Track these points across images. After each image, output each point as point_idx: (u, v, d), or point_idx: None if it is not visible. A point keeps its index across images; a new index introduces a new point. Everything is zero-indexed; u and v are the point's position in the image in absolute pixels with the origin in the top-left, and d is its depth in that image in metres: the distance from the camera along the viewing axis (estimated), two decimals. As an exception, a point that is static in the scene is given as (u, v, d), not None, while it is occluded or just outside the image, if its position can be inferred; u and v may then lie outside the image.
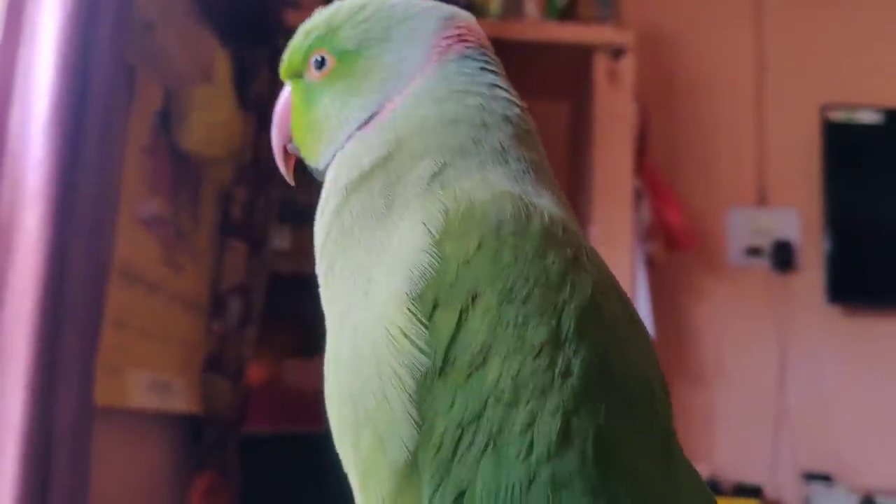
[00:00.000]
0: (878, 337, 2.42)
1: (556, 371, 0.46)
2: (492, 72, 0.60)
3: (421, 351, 0.47)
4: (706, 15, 2.57)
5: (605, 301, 0.50)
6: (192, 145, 1.65)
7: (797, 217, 2.47)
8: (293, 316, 2.18)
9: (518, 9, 2.22)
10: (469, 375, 0.46)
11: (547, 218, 0.50)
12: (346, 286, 0.53)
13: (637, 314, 0.53)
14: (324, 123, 0.60)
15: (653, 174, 2.29)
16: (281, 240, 2.10)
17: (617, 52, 2.11)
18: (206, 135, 1.67)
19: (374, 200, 0.54)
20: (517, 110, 0.58)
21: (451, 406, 0.46)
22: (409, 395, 0.47)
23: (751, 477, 2.29)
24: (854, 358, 2.40)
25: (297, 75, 0.63)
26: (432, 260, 0.48)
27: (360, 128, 0.59)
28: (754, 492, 2.24)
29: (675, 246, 2.31)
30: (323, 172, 0.60)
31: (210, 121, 1.64)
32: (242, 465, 1.87)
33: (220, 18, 1.69)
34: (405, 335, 0.47)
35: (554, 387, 0.46)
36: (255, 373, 2.00)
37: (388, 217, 0.53)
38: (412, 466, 0.47)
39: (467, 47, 0.60)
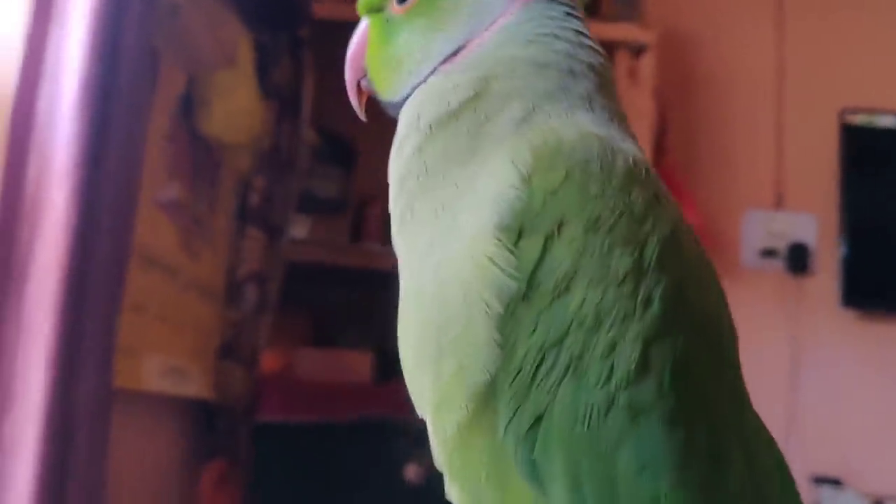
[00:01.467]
0: (891, 341, 2.41)
1: (638, 300, 0.47)
2: (577, 17, 0.59)
3: (509, 276, 0.48)
4: (727, 16, 2.56)
5: (684, 238, 0.51)
6: (213, 131, 1.65)
7: (814, 220, 2.47)
8: (307, 305, 2.18)
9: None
10: (552, 300, 0.47)
11: (631, 159, 0.51)
12: (427, 224, 0.53)
13: (707, 254, 0.54)
14: (405, 58, 0.60)
15: (670, 173, 2.28)
16: (298, 229, 2.10)
17: (638, 51, 2.11)
18: (228, 121, 1.66)
19: (459, 140, 0.53)
20: (601, 59, 0.58)
21: (534, 330, 0.47)
22: (495, 319, 0.48)
23: (760, 479, 2.28)
24: (867, 362, 2.39)
25: (376, 9, 0.63)
26: (519, 192, 0.49)
27: (443, 62, 0.58)
28: (764, 494, 2.24)
29: (690, 246, 2.30)
30: (398, 107, 0.60)
31: (231, 107, 1.64)
32: (254, 453, 1.87)
33: (245, 3, 1.68)
34: (493, 262, 0.48)
35: (635, 315, 0.47)
36: (269, 361, 2.00)
37: (475, 157, 0.53)
38: (490, 392, 0.48)
39: None
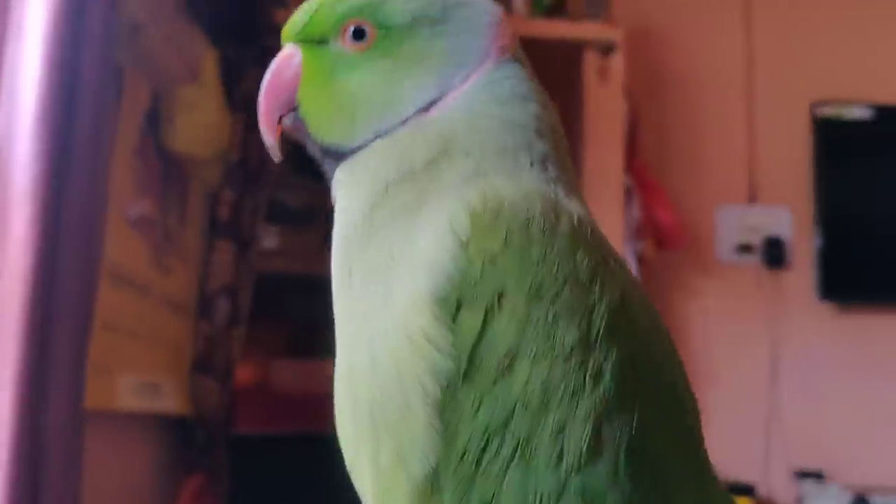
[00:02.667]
0: (869, 334, 2.42)
1: (587, 374, 0.44)
2: (533, 78, 0.58)
3: (446, 356, 0.45)
4: (695, 12, 2.57)
5: (633, 302, 0.48)
6: (180, 146, 1.64)
7: (788, 214, 2.48)
8: (281, 316, 2.16)
9: (506, 5, 2.21)
10: (495, 380, 0.44)
11: (576, 219, 0.48)
12: (364, 291, 0.50)
13: (660, 318, 0.51)
14: (364, 101, 0.55)
15: (643, 172, 2.29)
16: (268, 240, 2.09)
17: (607, 49, 2.11)
18: (194, 135, 1.65)
19: (405, 199, 0.50)
20: (557, 118, 0.57)
21: (477, 413, 0.44)
22: (433, 402, 0.45)
23: (743, 475, 2.29)
24: (846, 355, 2.41)
25: (316, 41, 0.57)
26: (455, 259, 0.46)
27: (418, 113, 0.54)
28: (747, 490, 2.24)
29: (665, 244, 2.30)
30: (343, 152, 0.56)
31: (198, 121, 1.63)
32: (231, 466, 1.86)
33: (208, 17, 1.67)
34: (427, 339, 0.45)
35: (585, 391, 0.44)
36: (245, 374, 1.98)
37: (415, 217, 0.49)
38: (433, 481, 0.45)
39: (517, 49, 0.58)
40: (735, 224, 2.47)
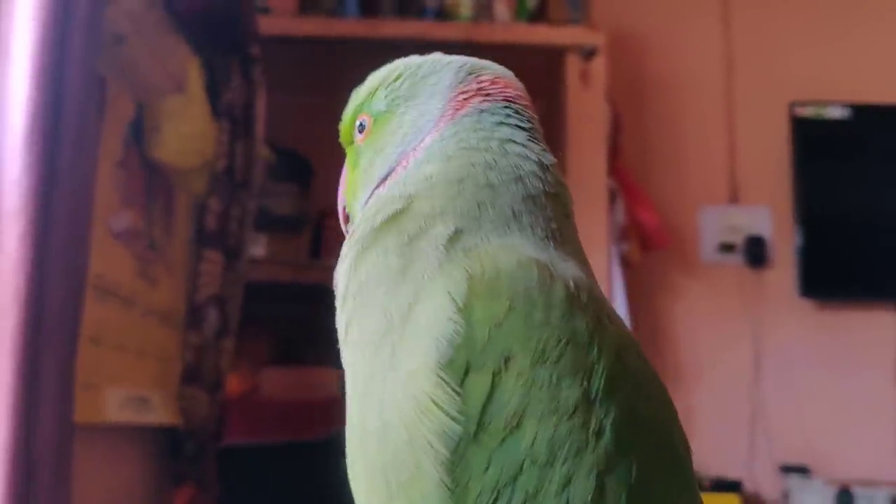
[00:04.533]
0: (850, 330, 2.45)
1: (590, 431, 0.47)
2: (513, 126, 0.58)
3: (453, 419, 0.47)
4: (675, 16, 2.59)
5: (629, 359, 0.51)
6: (166, 156, 1.63)
7: (768, 213, 2.50)
8: (269, 325, 2.16)
9: (488, 11, 2.22)
10: (504, 438, 0.46)
11: (571, 283, 0.51)
12: (366, 351, 0.52)
13: (654, 370, 0.54)
14: (359, 184, 0.62)
15: (625, 175, 2.30)
16: (256, 248, 2.08)
17: (589, 54, 2.12)
18: (180, 145, 1.64)
19: (387, 258, 0.53)
20: (531, 167, 0.57)
21: (486, 470, 0.46)
22: (443, 463, 0.47)
23: (729, 471, 2.31)
24: (827, 351, 2.43)
25: (350, 142, 0.65)
26: (459, 326, 0.48)
27: (378, 185, 0.60)
28: (733, 486, 2.26)
29: (649, 245, 2.32)
30: None
31: (184, 131, 1.62)
32: (221, 477, 1.85)
33: (192, 26, 1.67)
34: (436, 404, 0.47)
35: (588, 447, 0.46)
36: (234, 383, 1.98)
37: (406, 281, 0.52)
38: None
39: (486, 101, 0.59)
40: (717, 224, 2.49)
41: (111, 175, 1.52)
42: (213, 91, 1.81)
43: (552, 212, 0.56)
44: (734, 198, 2.52)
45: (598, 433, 0.47)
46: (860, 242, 2.48)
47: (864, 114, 2.48)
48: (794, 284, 2.44)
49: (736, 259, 2.48)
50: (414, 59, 0.63)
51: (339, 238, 2.14)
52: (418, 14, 2.23)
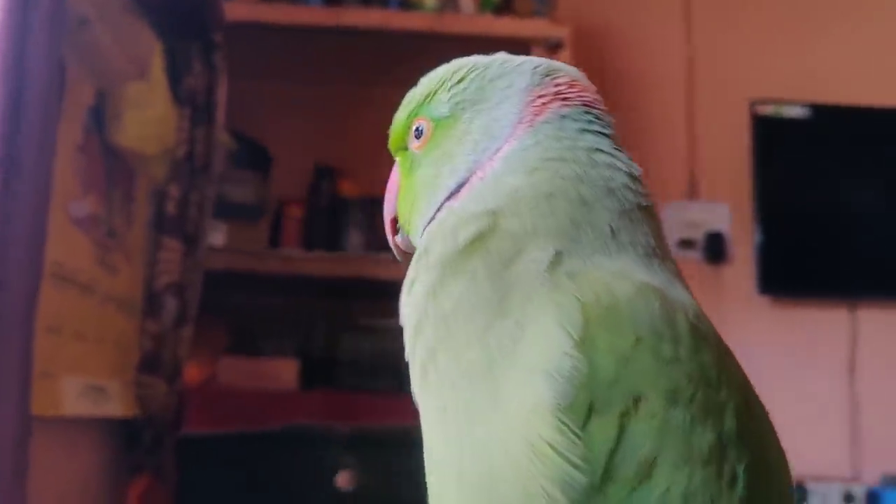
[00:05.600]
0: (805, 327, 2.49)
1: (724, 480, 0.43)
2: (596, 133, 0.54)
3: (575, 466, 0.42)
4: (638, 11, 2.60)
5: (751, 396, 0.47)
6: (127, 142, 1.60)
7: (728, 210, 2.53)
8: (227, 314, 2.14)
9: (453, 2, 2.21)
10: (632, 490, 0.42)
11: (691, 312, 0.47)
12: (460, 387, 0.47)
13: (757, 396, 0.50)
14: (419, 195, 0.57)
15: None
16: (214, 236, 2.05)
17: (554, 47, 2.12)
18: (142, 132, 1.62)
19: (479, 286, 0.48)
20: (622, 178, 0.52)
21: None
22: None
23: (684, 465, 2.33)
24: (784, 347, 2.47)
25: (403, 147, 0.60)
26: (578, 362, 0.43)
27: (449, 197, 0.54)
28: (688, 479, 2.29)
29: (610, 240, 2.33)
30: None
31: (145, 117, 1.59)
32: (178, 467, 1.83)
33: (156, 11, 1.64)
34: (555, 450, 0.42)
35: (722, 497, 0.43)
36: (191, 373, 1.95)
37: (506, 311, 0.47)
38: None
39: (566, 105, 0.55)
40: (676, 220, 2.51)
41: (71, 161, 1.49)
42: (175, 77, 1.78)
43: (648, 227, 0.52)
44: (694, 194, 2.54)
45: (732, 482, 0.43)
46: (817, 241, 2.52)
47: (823, 114, 2.52)
48: (753, 281, 2.47)
49: (695, 255, 2.50)
50: (478, 60, 0.58)
51: (298, 228, 2.11)
52: (382, 3, 2.20)
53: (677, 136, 2.56)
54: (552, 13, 2.24)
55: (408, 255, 0.60)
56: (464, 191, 0.54)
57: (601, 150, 0.54)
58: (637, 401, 0.43)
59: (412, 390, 0.52)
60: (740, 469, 0.43)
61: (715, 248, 2.48)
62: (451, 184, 0.55)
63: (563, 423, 0.42)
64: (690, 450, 0.42)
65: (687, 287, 0.52)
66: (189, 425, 1.85)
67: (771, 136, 2.51)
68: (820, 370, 2.46)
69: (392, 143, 0.62)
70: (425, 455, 0.51)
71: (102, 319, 1.66)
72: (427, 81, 0.60)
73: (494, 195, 0.51)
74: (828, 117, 2.52)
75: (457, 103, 0.57)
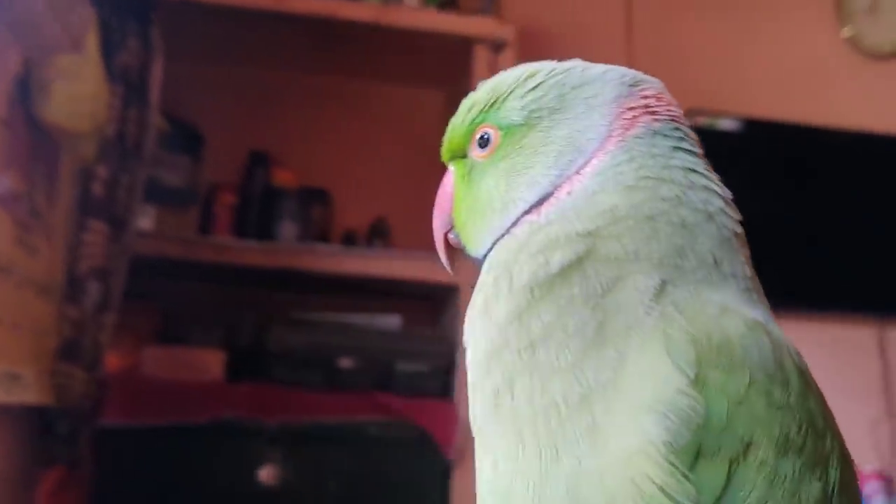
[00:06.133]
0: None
1: None
2: (687, 151, 0.52)
3: None
4: (581, 15, 2.62)
5: (843, 441, 0.46)
6: (53, 118, 1.53)
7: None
8: (154, 302, 2.07)
9: (398, -6, 2.19)
10: None
11: (794, 352, 0.45)
12: (542, 417, 0.44)
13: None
14: (487, 206, 0.53)
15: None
16: (143, 220, 1.98)
17: (498, 47, 2.11)
18: (70, 107, 1.55)
19: (575, 313, 0.45)
20: (719, 202, 0.51)
21: None
22: None
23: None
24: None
25: (460, 155, 0.56)
26: (694, 402, 0.41)
27: (528, 211, 0.51)
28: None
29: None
30: (481, 261, 0.52)
31: (77, 92, 1.52)
32: (96, 459, 1.76)
33: (91, -18, 1.57)
34: (664, 492, 0.40)
35: None
36: (113, 361, 1.88)
37: (605, 340, 0.44)
38: None
39: (657, 120, 0.52)
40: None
41: (-7, 133, 1.42)
42: (108, 52, 1.71)
43: (744, 256, 0.50)
44: (627, 200, 2.57)
45: None
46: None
47: (754, 127, 2.57)
48: (679, 288, 2.51)
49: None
50: (555, 66, 0.55)
51: (230, 215, 2.05)
52: (326, -10, 2.16)
53: (613, 142, 2.58)
54: (497, 12, 2.24)
55: (461, 267, 0.58)
56: (547, 206, 0.51)
57: (696, 172, 0.52)
58: (748, 447, 0.41)
59: (473, 417, 0.49)
60: None
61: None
62: (532, 197, 0.52)
63: (673, 464, 0.41)
64: (797, 500, 0.41)
65: (774, 321, 0.50)
66: (109, 416, 1.78)
67: (704, 147, 2.54)
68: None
69: (447, 151, 0.58)
70: (482, 486, 0.48)
71: (19, 303, 1.58)
72: (493, 86, 0.56)
73: (589, 214, 0.48)
74: (758, 132, 2.57)
75: (532, 111, 0.53)
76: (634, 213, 0.48)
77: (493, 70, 2.12)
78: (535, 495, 0.44)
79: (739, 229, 0.52)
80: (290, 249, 2.04)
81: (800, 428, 0.42)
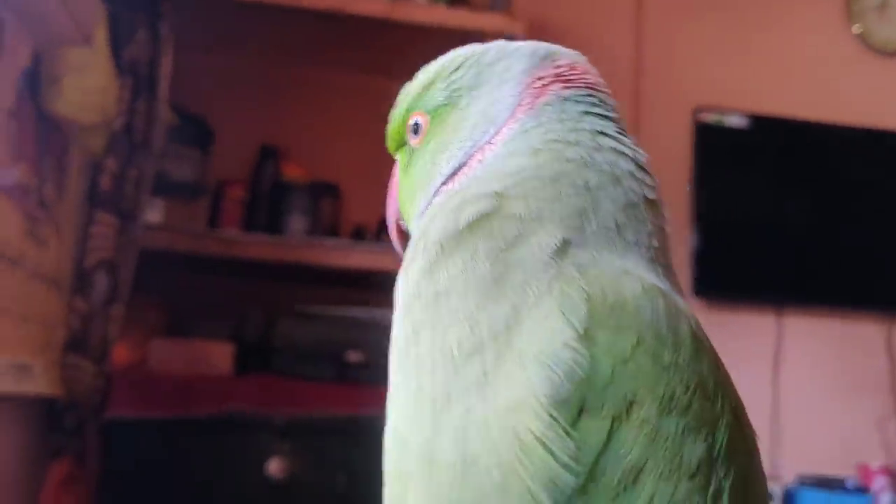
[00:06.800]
0: (736, 330, 2.54)
1: (709, 494, 0.42)
2: (600, 115, 0.53)
3: (562, 465, 0.40)
4: (591, 14, 2.61)
5: (742, 411, 0.46)
6: (63, 110, 1.53)
7: (667, 213, 2.55)
8: (161, 294, 2.07)
9: (407, -11, 2.18)
10: (616, 495, 0.40)
11: (693, 320, 0.45)
12: (442, 368, 0.45)
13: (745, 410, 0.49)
14: (417, 187, 0.56)
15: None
16: (152, 213, 1.99)
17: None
18: (80, 100, 1.55)
19: (478, 265, 0.46)
20: (628, 165, 0.51)
21: None
22: None
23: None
24: (716, 348, 2.51)
25: (402, 144, 0.59)
26: (578, 357, 0.41)
27: (446, 181, 0.53)
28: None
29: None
30: None
31: (86, 85, 1.53)
32: (103, 451, 1.76)
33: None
34: (546, 447, 0.40)
35: None
36: (121, 354, 1.89)
37: (502, 293, 0.44)
38: None
39: (568, 87, 0.53)
40: (617, 221, 2.53)
41: (2, 126, 1.42)
42: (117, 45, 1.71)
43: (652, 224, 0.51)
44: (635, 196, 2.56)
45: (716, 496, 0.42)
46: (749, 248, 2.57)
47: (762, 124, 2.56)
48: (687, 284, 2.50)
49: (633, 256, 2.52)
50: (475, 47, 0.57)
51: (239, 209, 2.05)
52: (337, -15, 2.16)
53: (621, 139, 2.58)
54: (507, 8, 2.23)
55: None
56: (462, 174, 0.53)
57: (606, 134, 0.52)
58: (631, 405, 0.41)
59: (390, 370, 0.50)
60: (726, 484, 0.42)
61: (653, 251, 2.51)
62: (448, 169, 0.54)
63: (554, 418, 0.41)
64: (679, 461, 0.41)
65: (684, 297, 0.50)
66: (117, 408, 1.79)
67: (711, 143, 2.54)
68: (746, 373, 2.49)
69: (390, 143, 0.61)
70: (388, 436, 0.48)
71: (29, 295, 1.59)
72: (423, 75, 0.58)
73: (497, 176, 0.49)
74: (765, 128, 2.57)
75: (453, 91, 0.56)
76: (539, 174, 0.49)
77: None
78: (427, 443, 0.44)
79: (652, 194, 0.52)
80: (299, 243, 2.05)
81: (686, 389, 0.42)
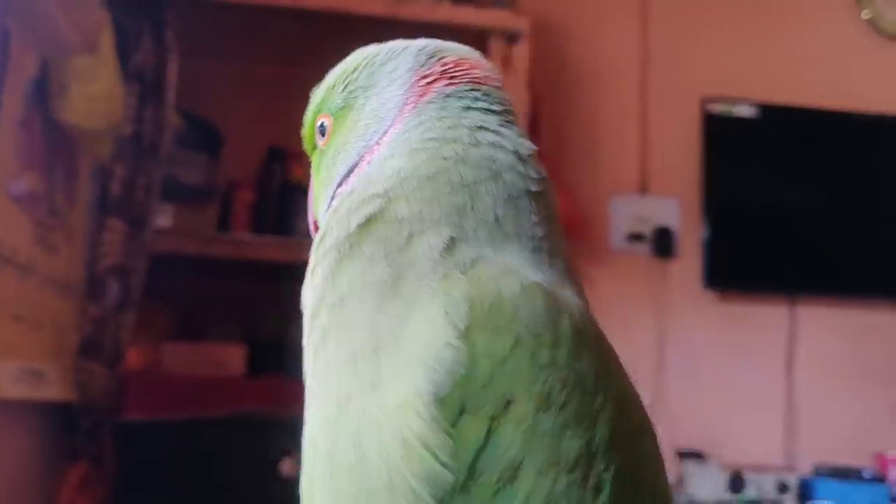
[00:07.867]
0: (749, 321, 2.53)
1: (588, 486, 0.42)
2: (482, 110, 0.53)
3: (442, 464, 0.41)
4: (596, 6, 2.61)
5: (629, 407, 0.47)
6: (71, 118, 1.55)
7: (677, 205, 2.55)
8: (172, 298, 2.09)
9: (412, -12, 2.19)
10: (496, 492, 0.41)
11: (577, 315, 0.46)
12: (344, 370, 0.46)
13: (648, 416, 0.50)
14: (322, 187, 0.57)
15: (540, 161, 2.30)
16: (162, 218, 2.00)
17: (512, 38, 2.11)
18: (87, 107, 1.56)
19: (374, 269, 0.47)
20: (508, 159, 0.51)
21: None
22: None
23: (628, 457, 2.35)
24: (727, 341, 2.51)
25: (314, 148, 0.60)
26: (459, 356, 0.42)
27: (341, 183, 0.55)
28: (631, 472, 2.30)
29: (562, 233, 2.33)
30: None
31: (93, 93, 1.54)
32: (118, 454, 1.78)
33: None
34: (424, 445, 0.41)
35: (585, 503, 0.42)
36: (134, 358, 1.90)
37: (397, 294, 0.46)
38: None
39: (451, 84, 0.53)
40: (627, 214, 2.53)
41: (11, 135, 1.44)
42: (124, 52, 1.73)
43: (537, 216, 0.50)
44: (644, 188, 2.56)
45: (597, 488, 0.43)
46: (762, 238, 2.56)
47: (771, 113, 2.55)
48: (699, 276, 2.50)
49: (644, 249, 2.52)
50: (371, 48, 0.58)
51: (248, 212, 2.07)
52: (340, -15, 2.17)
53: (630, 131, 2.58)
54: (512, 4, 2.23)
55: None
56: (353, 176, 0.54)
57: (485, 128, 0.52)
58: (508, 404, 0.42)
59: (304, 375, 0.51)
60: (607, 476, 0.43)
61: (663, 243, 2.50)
62: (342, 171, 0.55)
63: (435, 418, 0.42)
64: (557, 456, 0.42)
65: (578, 283, 0.51)
66: (131, 412, 1.81)
67: (720, 133, 2.54)
68: (760, 363, 2.51)
69: (306, 145, 0.62)
70: (304, 440, 0.49)
71: (41, 301, 1.60)
72: (328, 78, 0.60)
73: (380, 178, 0.50)
74: (775, 117, 2.55)
75: (350, 92, 0.57)
76: (416, 173, 0.49)
77: (507, 63, 2.12)
78: (331, 445, 0.45)
79: (535, 187, 0.51)
80: (307, 244, 2.05)
81: (564, 386, 0.43)
